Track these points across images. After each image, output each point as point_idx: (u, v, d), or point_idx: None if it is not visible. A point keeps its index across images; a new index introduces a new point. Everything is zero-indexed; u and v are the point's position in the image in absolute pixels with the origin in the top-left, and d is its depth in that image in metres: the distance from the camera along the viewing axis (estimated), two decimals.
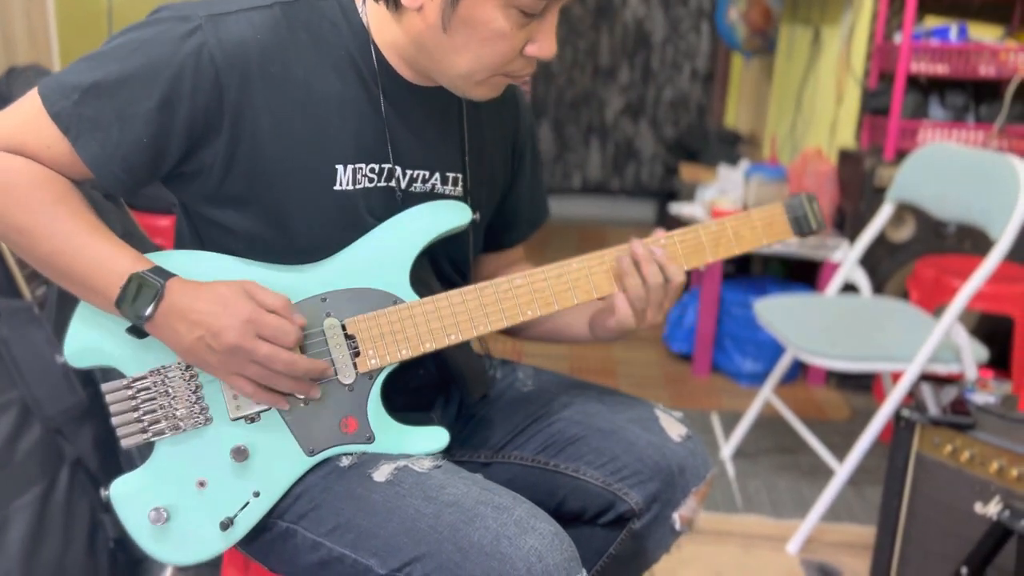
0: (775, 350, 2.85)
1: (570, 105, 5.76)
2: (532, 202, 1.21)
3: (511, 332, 1.21)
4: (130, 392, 0.94)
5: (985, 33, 2.73)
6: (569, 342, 1.18)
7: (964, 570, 1.40)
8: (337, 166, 0.96)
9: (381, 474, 0.94)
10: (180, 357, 0.92)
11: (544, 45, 0.92)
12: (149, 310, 0.88)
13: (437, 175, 1.04)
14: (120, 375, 0.95)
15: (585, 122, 5.80)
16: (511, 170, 1.16)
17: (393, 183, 1.01)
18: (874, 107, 2.84)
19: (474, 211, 1.06)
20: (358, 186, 0.98)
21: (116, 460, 1.57)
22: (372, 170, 0.99)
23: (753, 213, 1.09)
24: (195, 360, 0.91)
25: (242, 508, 0.95)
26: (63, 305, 1.57)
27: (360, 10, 0.97)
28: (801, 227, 1.11)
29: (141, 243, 1.91)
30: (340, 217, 0.98)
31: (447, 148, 1.05)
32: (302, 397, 0.95)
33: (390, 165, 1.00)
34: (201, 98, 0.90)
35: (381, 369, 0.98)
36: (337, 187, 0.97)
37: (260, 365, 0.89)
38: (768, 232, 1.10)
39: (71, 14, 2.20)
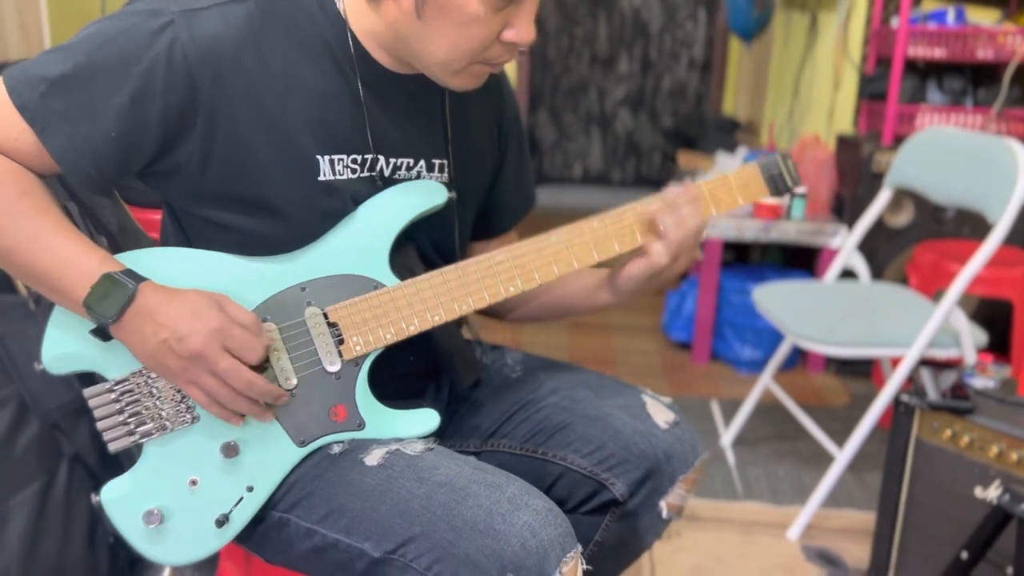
0: (774, 337, 2.85)
1: (567, 93, 5.75)
2: (520, 186, 1.20)
3: (502, 314, 1.20)
4: (113, 395, 0.92)
5: (982, 16, 2.71)
6: (572, 314, 1.17)
7: (965, 554, 1.40)
8: (318, 157, 0.95)
9: (373, 458, 0.94)
10: (141, 361, 0.90)
11: (522, 30, 0.90)
12: (118, 311, 0.86)
13: (422, 162, 1.03)
14: (101, 379, 0.93)
15: (583, 111, 5.79)
16: (498, 154, 1.15)
17: (376, 172, 1.00)
18: (872, 92, 2.83)
19: (454, 192, 1.05)
20: (340, 177, 0.97)
21: (115, 456, 1.57)
22: (354, 160, 0.98)
23: (729, 175, 1.08)
24: (155, 364, 0.89)
25: (236, 504, 0.94)
26: None
27: None
28: (777, 185, 1.10)
29: (136, 237, 1.90)
30: (328, 208, 0.97)
31: (431, 135, 1.04)
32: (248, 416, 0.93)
33: (372, 155, 0.99)
34: (174, 96, 0.89)
35: (367, 355, 0.97)
36: (322, 178, 0.96)
37: (218, 379, 0.87)
38: (745, 192, 1.09)
39: (63, 9, 2.19)
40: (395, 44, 0.94)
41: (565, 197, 5.56)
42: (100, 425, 0.92)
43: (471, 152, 1.09)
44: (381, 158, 1.00)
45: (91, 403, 0.92)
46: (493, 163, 1.15)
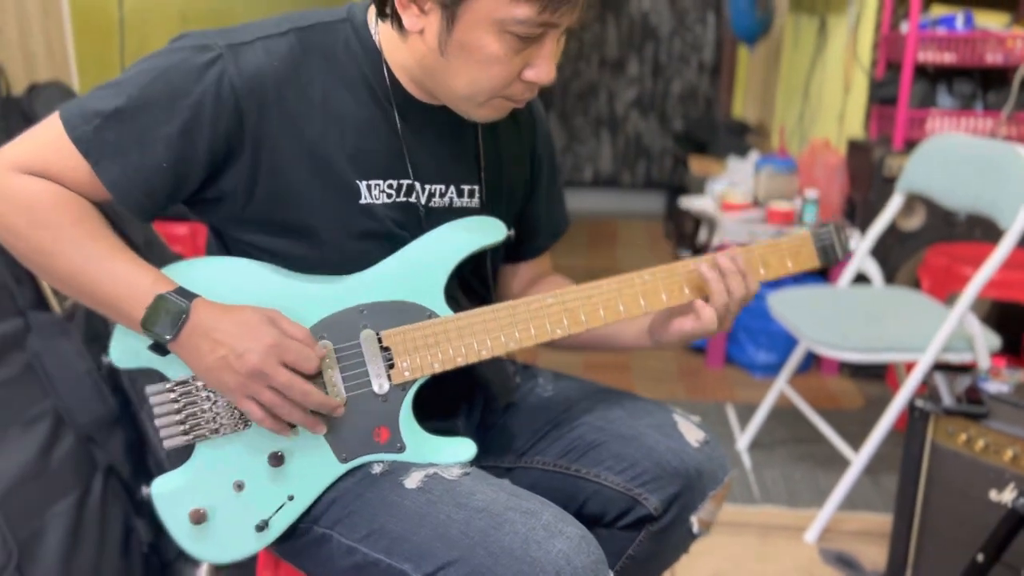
0: (788, 341, 2.87)
1: (577, 96, 5.77)
2: (552, 212, 1.23)
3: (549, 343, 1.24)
4: (173, 395, 0.96)
5: (991, 21, 2.73)
6: (613, 350, 1.21)
7: (980, 557, 1.42)
8: (358, 183, 0.99)
9: (412, 481, 0.97)
10: (199, 376, 0.95)
11: (542, 70, 0.93)
12: (173, 331, 0.90)
13: (452, 188, 1.07)
14: (161, 377, 0.98)
15: (593, 114, 5.81)
16: (530, 178, 1.19)
17: (413, 198, 1.03)
18: (882, 97, 2.85)
19: (513, 230, 1.08)
20: (377, 201, 1.01)
21: (147, 466, 1.61)
22: (390, 186, 1.02)
23: (781, 241, 1.12)
24: (213, 380, 0.93)
25: (277, 511, 0.98)
26: (92, 316, 1.60)
27: (373, 31, 1.00)
28: (828, 256, 1.14)
29: (161, 252, 1.94)
30: (369, 230, 1.01)
31: (463, 161, 1.08)
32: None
33: (409, 181, 1.03)
34: (222, 126, 0.93)
35: (414, 381, 1.00)
36: (362, 202, 1.00)
37: (276, 392, 0.91)
38: (796, 260, 1.12)
39: (85, 28, 2.23)
40: (423, 77, 0.98)
41: (575, 200, 5.57)
42: (158, 423, 0.96)
43: (503, 177, 1.13)
44: (417, 184, 1.03)
45: (151, 400, 0.96)
46: (525, 187, 1.18)
